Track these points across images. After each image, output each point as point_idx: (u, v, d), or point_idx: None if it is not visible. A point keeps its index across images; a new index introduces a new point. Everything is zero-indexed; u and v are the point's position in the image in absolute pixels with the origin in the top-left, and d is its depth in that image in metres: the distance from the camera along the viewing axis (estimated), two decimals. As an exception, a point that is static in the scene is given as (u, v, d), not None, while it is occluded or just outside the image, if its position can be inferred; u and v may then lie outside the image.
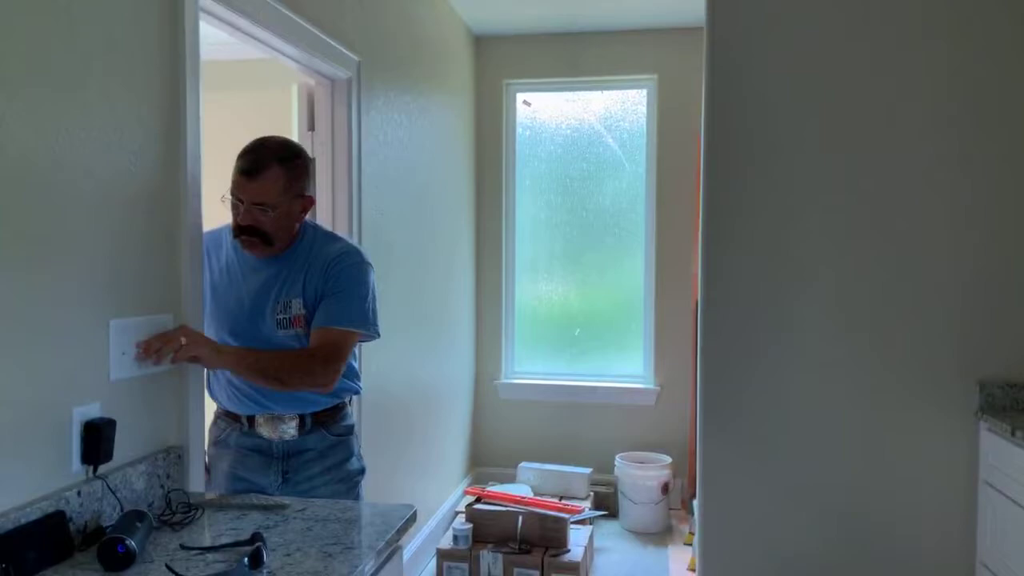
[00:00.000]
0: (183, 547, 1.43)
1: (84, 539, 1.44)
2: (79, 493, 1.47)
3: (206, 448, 2.04)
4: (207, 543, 1.47)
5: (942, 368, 2.58)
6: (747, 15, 2.65)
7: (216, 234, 2.07)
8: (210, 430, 2.09)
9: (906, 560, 2.60)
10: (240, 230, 1.92)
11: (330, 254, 2.01)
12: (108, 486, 1.53)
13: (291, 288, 1.98)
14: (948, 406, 2.57)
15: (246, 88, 4.38)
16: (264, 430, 2.01)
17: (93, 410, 1.53)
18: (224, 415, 2.07)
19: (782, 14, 2.63)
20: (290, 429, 2.00)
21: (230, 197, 1.91)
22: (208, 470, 2.05)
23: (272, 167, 1.90)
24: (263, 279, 2.00)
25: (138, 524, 1.39)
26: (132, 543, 1.32)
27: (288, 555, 1.40)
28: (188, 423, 1.83)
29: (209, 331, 1.98)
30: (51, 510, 1.39)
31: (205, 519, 1.61)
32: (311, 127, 2.80)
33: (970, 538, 2.56)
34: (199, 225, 1.88)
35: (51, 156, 1.44)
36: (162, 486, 1.72)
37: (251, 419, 2.01)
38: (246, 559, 1.31)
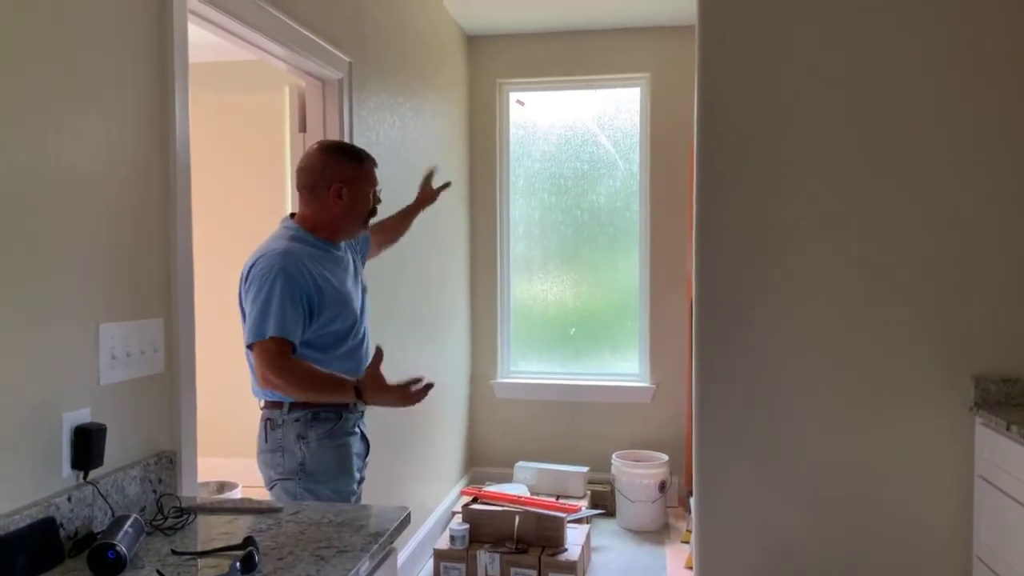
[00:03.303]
0: (174, 552, 1.42)
1: (75, 545, 1.43)
2: (69, 499, 1.46)
3: (296, 447, 2.04)
4: (199, 548, 1.46)
5: (937, 363, 2.58)
6: (738, 13, 2.64)
7: (293, 252, 2.04)
8: (300, 425, 2.05)
9: (903, 555, 2.60)
10: (374, 213, 2.22)
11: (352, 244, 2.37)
12: (99, 491, 1.52)
13: (359, 270, 2.31)
14: (943, 401, 2.57)
15: (239, 90, 4.38)
16: (362, 403, 2.12)
17: (83, 415, 1.52)
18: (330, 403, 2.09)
19: (773, 11, 2.63)
20: None
21: (379, 190, 2.22)
22: (303, 464, 2.03)
23: None
24: (352, 266, 2.24)
25: (129, 529, 1.38)
26: (122, 549, 1.31)
27: (281, 559, 1.39)
28: (180, 427, 1.82)
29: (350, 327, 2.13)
30: (41, 516, 1.38)
31: (197, 524, 1.60)
32: (302, 128, 2.79)
33: (966, 533, 2.56)
34: (189, 228, 1.87)
35: (37, 159, 1.43)
36: (154, 491, 1.71)
37: None
38: (238, 563, 1.30)
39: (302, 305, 1.98)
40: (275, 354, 1.94)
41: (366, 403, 2.00)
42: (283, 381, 1.95)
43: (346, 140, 2.82)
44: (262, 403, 2.11)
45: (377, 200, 2.22)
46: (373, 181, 2.19)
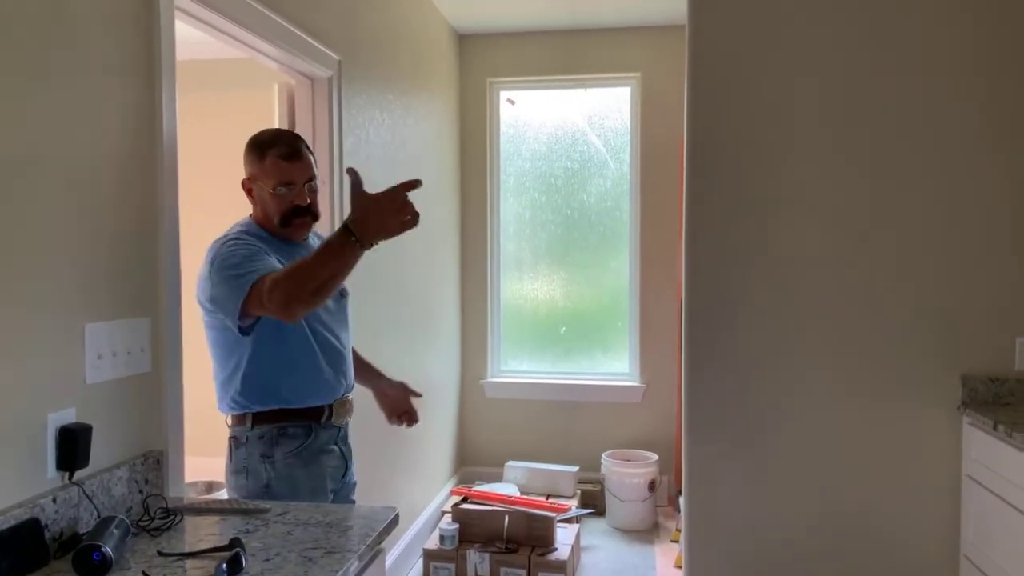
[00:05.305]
0: (160, 553, 1.41)
1: (60, 547, 1.42)
2: (54, 500, 1.44)
3: (261, 467, 1.91)
4: (185, 549, 1.45)
5: (925, 363, 2.59)
6: (728, 11, 2.64)
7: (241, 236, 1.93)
8: (265, 443, 1.92)
9: (891, 553, 2.61)
10: (298, 212, 1.95)
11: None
12: (84, 492, 1.51)
13: None
14: (931, 400, 2.58)
15: (228, 87, 4.35)
16: (338, 417, 2.04)
17: (68, 415, 1.51)
18: (297, 415, 1.94)
19: (762, 9, 2.63)
20: (351, 411, 2.10)
21: (282, 188, 1.92)
22: (268, 487, 1.90)
23: (304, 147, 1.99)
24: None
25: (114, 530, 1.37)
26: (108, 550, 1.30)
27: (268, 560, 1.38)
28: (167, 427, 1.81)
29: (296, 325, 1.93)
30: (26, 517, 1.36)
31: (184, 524, 1.58)
32: (291, 126, 2.77)
33: (954, 531, 2.57)
34: (176, 226, 1.85)
35: (21, 155, 1.41)
36: (141, 491, 1.69)
37: (330, 408, 2.01)
38: (224, 565, 1.29)
39: (266, 254, 1.85)
40: (268, 285, 1.72)
41: (367, 239, 1.67)
42: (282, 292, 1.69)
43: (335, 138, 2.81)
44: (228, 420, 1.99)
45: (303, 198, 1.95)
46: (276, 175, 1.91)
